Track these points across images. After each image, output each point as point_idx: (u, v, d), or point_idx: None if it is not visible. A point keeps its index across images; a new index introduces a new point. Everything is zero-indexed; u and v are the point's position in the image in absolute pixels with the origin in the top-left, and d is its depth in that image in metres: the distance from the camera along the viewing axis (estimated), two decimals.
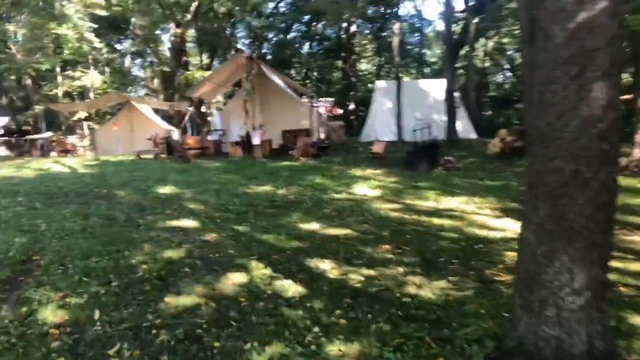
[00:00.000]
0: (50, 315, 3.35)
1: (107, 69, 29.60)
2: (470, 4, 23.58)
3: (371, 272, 4.52)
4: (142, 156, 15.58)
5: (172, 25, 26.90)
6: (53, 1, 19.79)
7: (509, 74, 35.34)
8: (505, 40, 32.45)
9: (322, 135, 18.15)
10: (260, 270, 4.43)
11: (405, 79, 28.19)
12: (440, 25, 34.95)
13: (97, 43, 23.41)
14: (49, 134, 22.83)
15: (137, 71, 39.11)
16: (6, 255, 4.63)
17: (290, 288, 4.00)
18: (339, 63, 35.01)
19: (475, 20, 24.82)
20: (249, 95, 16.23)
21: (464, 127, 19.49)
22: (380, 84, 22.71)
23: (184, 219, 6.59)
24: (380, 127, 20.39)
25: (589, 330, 2.35)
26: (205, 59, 33.37)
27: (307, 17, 32.57)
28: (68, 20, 20.49)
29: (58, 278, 4.10)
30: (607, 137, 2.22)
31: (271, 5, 32.34)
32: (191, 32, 31.09)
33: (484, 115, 29.52)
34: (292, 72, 34.49)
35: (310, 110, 17.98)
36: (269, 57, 32.72)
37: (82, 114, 24.55)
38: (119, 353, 2.95)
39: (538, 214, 2.40)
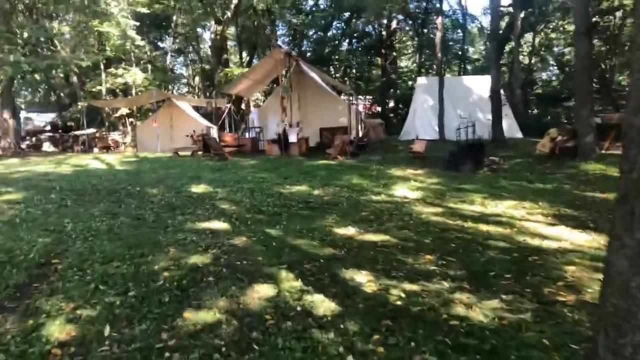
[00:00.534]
0: (57, 330, 3.06)
1: (149, 67, 30.04)
2: None
3: (413, 286, 4.05)
4: (179, 153, 15.54)
5: (212, 23, 27.01)
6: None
7: (556, 70, 33.73)
8: (553, 35, 30.99)
9: (361, 134, 17.66)
10: (289, 282, 4.04)
11: (447, 75, 27.24)
12: (484, 21, 33.86)
13: (139, 41, 23.69)
14: (92, 130, 23.31)
15: (179, 69, 39.71)
16: (26, 257, 4.44)
17: (322, 304, 3.59)
18: (379, 60, 34.33)
19: (522, 14, 23.72)
20: (286, 92, 15.92)
21: (509, 125, 18.58)
22: (422, 80, 21.98)
23: (215, 221, 6.31)
24: (421, 125, 19.72)
25: None
26: (245, 57, 33.43)
27: (346, 14, 32.06)
28: (112, 18, 20.77)
29: (73, 285, 3.84)
30: None
31: (311, 2, 32.07)
32: (232, 30, 31.21)
33: (530, 113, 28.25)
34: (331, 69, 34.07)
35: (348, 108, 17.51)
36: (308, 54, 32.42)
37: (124, 111, 24.96)
38: None
39: (634, 234, 1.88)
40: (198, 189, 8.51)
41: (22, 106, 34.32)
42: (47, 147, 22.61)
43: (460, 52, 33.24)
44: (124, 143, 22.72)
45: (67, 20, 23.44)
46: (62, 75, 27.44)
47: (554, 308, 3.70)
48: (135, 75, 24.65)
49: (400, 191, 8.80)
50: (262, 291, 3.86)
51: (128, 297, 3.65)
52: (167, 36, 32.93)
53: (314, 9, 33.06)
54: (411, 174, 10.80)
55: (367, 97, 32.65)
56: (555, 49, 32.08)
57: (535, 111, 29.91)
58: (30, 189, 8.37)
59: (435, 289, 4.02)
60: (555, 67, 33.85)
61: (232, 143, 17.18)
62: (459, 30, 33.05)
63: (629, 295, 1.92)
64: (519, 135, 19.22)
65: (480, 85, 20.21)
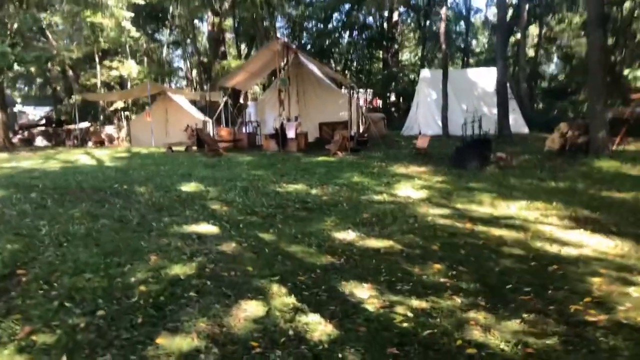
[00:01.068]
0: None
1: (145, 59, 29.43)
2: None
3: (422, 303, 3.57)
4: (173, 148, 15.03)
5: (210, 14, 26.40)
6: None
7: (562, 63, 33.07)
8: (558, 27, 30.32)
9: (362, 129, 17.11)
10: (281, 298, 3.56)
11: (450, 69, 26.59)
12: (488, 13, 33.23)
13: (134, 32, 23.08)
14: (85, 124, 22.76)
15: (176, 62, 39.07)
16: None
17: (318, 327, 3.11)
18: (380, 53, 33.68)
19: (527, 6, 23.14)
20: (284, 85, 15.36)
21: (515, 120, 17.99)
22: (426, 73, 21.29)
23: (203, 223, 5.84)
24: (424, 120, 19.16)
25: None
26: (244, 49, 32.80)
27: (347, 5, 31.37)
28: (105, 9, 20.16)
29: (35, 303, 3.37)
30: None
31: None
32: (229, 22, 30.58)
33: (536, 107, 27.65)
34: (332, 62, 33.43)
35: (349, 102, 16.96)
36: (308, 47, 31.77)
37: (119, 104, 24.40)
38: None
39: None
40: (188, 187, 8.03)
41: (18, 99, 33.73)
42: (39, 141, 22.06)
43: (462, 45, 32.62)
44: (119, 137, 22.18)
45: (59, 10, 22.72)
46: (58, 68, 26.85)
47: (584, 330, 3.22)
48: (130, 68, 24.05)
49: (404, 190, 8.30)
50: (250, 310, 3.38)
51: (95, 318, 3.17)
52: (163, 28, 32.24)
53: (313, 0, 32.37)
54: (415, 172, 10.29)
55: (368, 90, 31.97)
56: (561, 41, 31.42)
57: (541, 105, 29.30)
58: (10, 187, 7.87)
59: (446, 306, 3.54)
60: (562, 60, 33.16)
61: (227, 138, 16.67)
62: (462, 23, 32.44)
63: None
64: (526, 130, 18.67)
65: (485, 78, 19.61)
